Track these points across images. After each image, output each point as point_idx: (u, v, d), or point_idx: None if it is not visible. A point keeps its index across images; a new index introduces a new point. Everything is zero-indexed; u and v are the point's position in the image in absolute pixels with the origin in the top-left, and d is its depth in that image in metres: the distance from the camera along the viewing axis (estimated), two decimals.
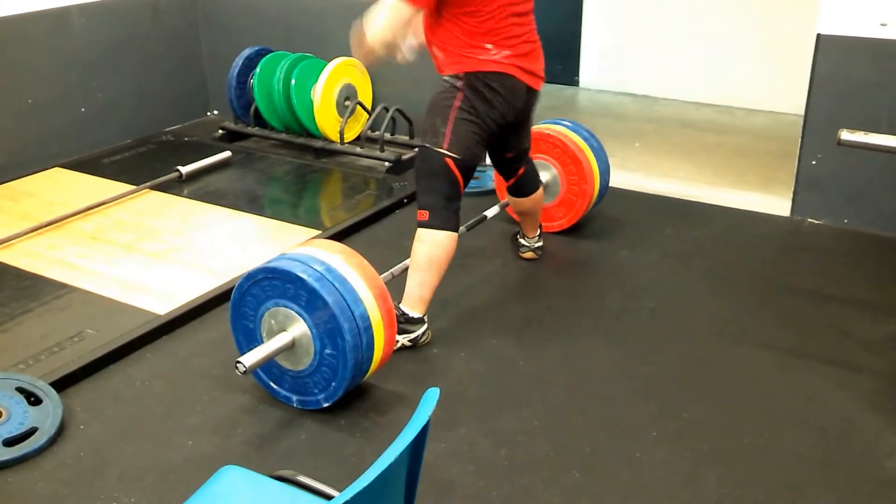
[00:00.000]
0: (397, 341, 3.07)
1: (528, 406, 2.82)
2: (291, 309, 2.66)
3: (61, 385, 2.86)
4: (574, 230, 4.02)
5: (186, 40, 5.79)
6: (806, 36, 4.12)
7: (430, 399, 1.57)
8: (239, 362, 2.59)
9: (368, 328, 2.64)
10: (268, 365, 2.76)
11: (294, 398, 2.79)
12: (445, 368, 3.04)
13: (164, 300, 3.41)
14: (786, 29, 5.59)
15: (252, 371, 2.65)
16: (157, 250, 3.87)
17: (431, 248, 3.03)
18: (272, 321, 2.72)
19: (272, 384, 2.82)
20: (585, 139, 3.92)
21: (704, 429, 2.69)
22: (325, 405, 2.73)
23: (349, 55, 5.05)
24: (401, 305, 3.08)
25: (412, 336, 3.09)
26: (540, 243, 3.79)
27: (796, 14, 5.39)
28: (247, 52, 5.32)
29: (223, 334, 3.23)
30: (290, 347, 2.69)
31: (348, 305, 2.59)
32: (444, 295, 3.33)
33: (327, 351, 2.64)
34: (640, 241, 3.99)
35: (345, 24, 5.16)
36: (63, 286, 3.54)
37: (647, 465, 2.53)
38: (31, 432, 2.62)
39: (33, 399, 2.73)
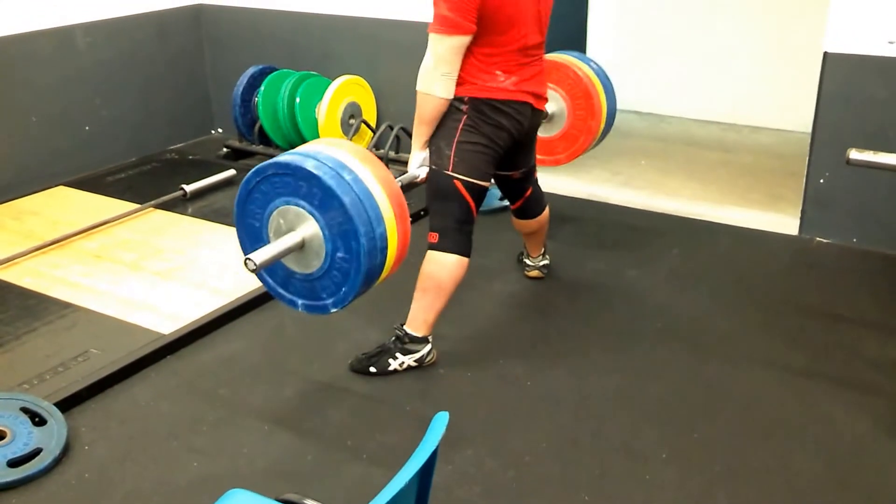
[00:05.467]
0: (403, 362, 3.06)
1: (535, 427, 2.79)
2: (303, 208, 2.49)
3: (66, 405, 2.85)
4: (580, 247, 4.01)
5: (191, 59, 5.80)
6: (812, 53, 4.12)
7: (440, 423, 1.55)
8: (249, 259, 2.43)
9: (383, 233, 2.49)
10: (274, 266, 2.61)
11: (299, 302, 2.64)
12: (452, 388, 3.02)
13: (168, 319, 3.39)
14: (791, 46, 5.59)
15: (261, 269, 2.49)
16: (161, 269, 3.86)
17: (440, 270, 2.99)
18: (281, 220, 2.55)
19: (278, 287, 2.67)
20: (597, 73, 3.86)
21: (714, 450, 2.66)
22: (333, 310, 2.59)
23: (353, 73, 5.12)
24: (404, 327, 3.07)
25: (417, 356, 3.07)
26: (545, 261, 3.78)
27: (802, 32, 5.38)
28: (251, 70, 5.32)
29: (229, 354, 3.22)
30: (301, 248, 2.53)
31: (364, 208, 2.44)
32: (450, 314, 3.31)
33: (339, 254, 2.49)
34: (648, 260, 3.97)
35: (349, 43, 5.23)
36: (67, 305, 3.53)
37: (657, 486, 2.51)
38: (35, 453, 2.60)
39: (38, 419, 2.71)
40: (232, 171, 5.00)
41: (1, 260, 3.86)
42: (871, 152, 2.77)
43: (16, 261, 3.90)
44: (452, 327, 3.35)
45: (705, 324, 3.42)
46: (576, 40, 6.48)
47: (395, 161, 4.96)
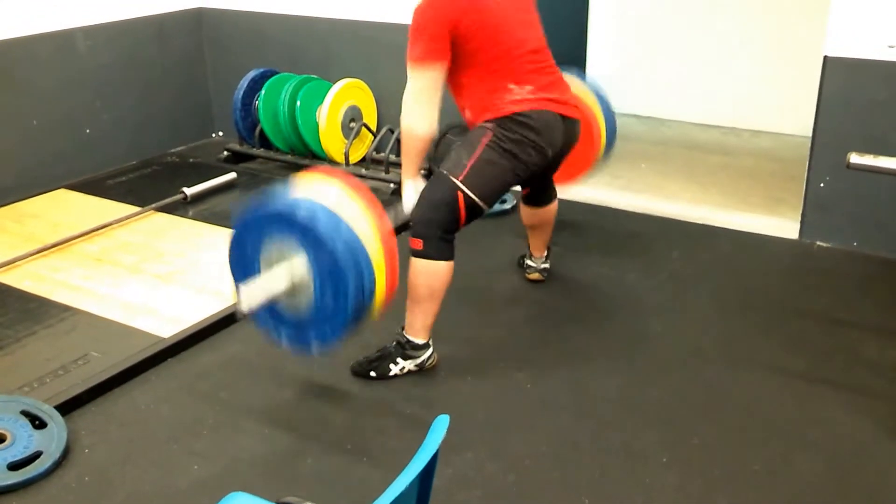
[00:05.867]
0: (403, 367, 3.05)
1: (535, 430, 2.79)
2: (294, 250, 2.53)
3: (66, 408, 2.85)
4: (580, 251, 4.01)
5: (191, 62, 5.81)
6: (812, 57, 4.13)
7: (440, 426, 1.55)
8: (238, 307, 2.53)
9: (372, 279, 2.54)
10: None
11: (284, 338, 2.70)
12: (452, 392, 3.02)
13: (169, 322, 3.39)
14: (791, 50, 5.59)
15: (252, 312, 2.58)
16: (162, 272, 3.86)
17: (429, 278, 2.96)
18: (273, 259, 2.59)
19: (264, 321, 2.73)
20: (598, 98, 3.84)
21: (714, 454, 2.66)
22: (317, 351, 2.67)
23: (354, 77, 5.12)
24: (404, 333, 3.07)
25: (418, 361, 3.07)
26: (546, 265, 3.78)
27: (802, 35, 5.39)
28: (252, 73, 5.33)
29: (229, 357, 3.22)
30: (290, 290, 2.58)
31: (356, 257, 2.48)
32: (449, 318, 3.31)
33: (327, 298, 2.52)
34: (648, 264, 3.97)
35: (350, 46, 5.24)
36: (68, 308, 3.53)
37: (658, 490, 2.51)
38: (35, 456, 2.60)
39: (38, 422, 2.71)
40: (232, 175, 5.00)
41: (1, 263, 3.86)
42: (872, 156, 2.76)
43: (16, 264, 3.90)
44: (453, 331, 3.34)
45: (705, 327, 3.42)
46: (576, 44, 6.48)
47: (395, 164, 4.96)
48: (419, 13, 2.95)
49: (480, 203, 2.97)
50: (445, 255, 2.97)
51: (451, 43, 2.92)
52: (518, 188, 3.52)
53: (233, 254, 2.73)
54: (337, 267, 2.48)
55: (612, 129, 3.93)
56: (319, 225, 2.48)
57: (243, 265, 2.70)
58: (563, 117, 3.09)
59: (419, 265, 2.95)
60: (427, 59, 2.90)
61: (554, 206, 3.63)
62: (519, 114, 2.97)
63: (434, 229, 2.93)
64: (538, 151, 3.02)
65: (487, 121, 3.00)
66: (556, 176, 3.73)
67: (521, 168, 3.02)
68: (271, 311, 2.68)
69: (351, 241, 2.50)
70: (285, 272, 2.57)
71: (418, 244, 2.94)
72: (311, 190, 2.63)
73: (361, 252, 2.51)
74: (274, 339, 2.75)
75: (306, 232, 2.50)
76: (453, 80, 3.06)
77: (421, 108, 2.93)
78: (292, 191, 2.64)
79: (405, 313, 3.05)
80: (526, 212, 3.64)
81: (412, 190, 3.05)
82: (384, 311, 2.70)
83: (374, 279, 2.56)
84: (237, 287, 2.68)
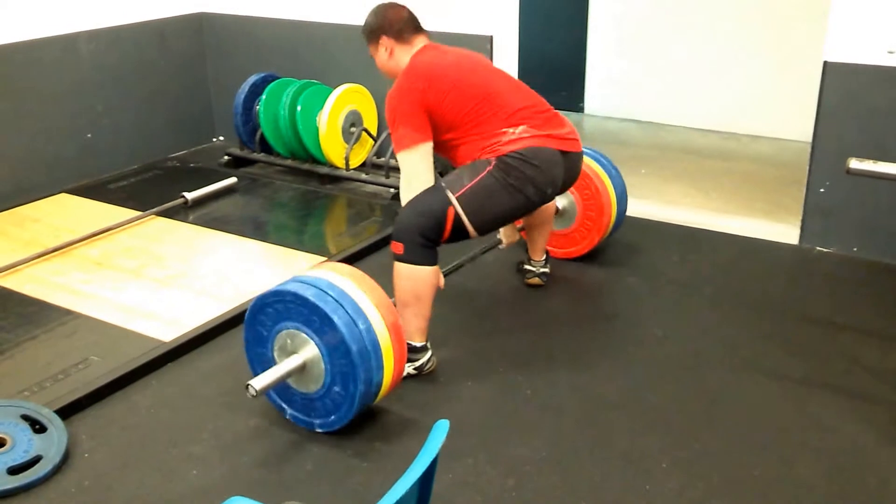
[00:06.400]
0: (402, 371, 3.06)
1: (535, 435, 2.79)
2: (311, 338, 2.66)
3: (66, 412, 2.85)
4: (580, 256, 4.01)
5: (193, 67, 5.82)
6: (811, 62, 4.13)
7: (440, 431, 1.55)
8: (250, 385, 2.61)
9: (381, 380, 2.67)
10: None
11: (288, 411, 2.82)
12: (452, 397, 3.01)
13: (169, 326, 3.40)
14: (791, 55, 5.61)
15: (260, 395, 2.65)
16: (162, 276, 3.86)
17: (413, 283, 2.96)
18: (288, 340, 2.72)
19: (272, 392, 2.83)
20: (605, 168, 3.87)
21: (715, 459, 2.66)
22: (318, 430, 2.77)
23: (354, 81, 5.12)
24: None
25: (417, 364, 3.07)
26: (546, 269, 3.78)
27: (802, 40, 5.40)
28: (253, 78, 5.34)
29: (229, 361, 3.22)
30: (301, 371, 2.70)
31: (370, 359, 2.60)
32: (449, 323, 3.32)
33: (336, 388, 2.66)
34: (648, 269, 3.97)
35: (350, 51, 5.24)
36: (68, 312, 3.53)
37: (658, 495, 2.50)
38: (35, 460, 2.60)
39: (38, 427, 2.71)
40: (233, 179, 5.01)
41: (2, 267, 3.87)
42: (872, 162, 2.77)
43: (17, 268, 3.90)
44: (452, 336, 3.35)
45: (705, 332, 3.42)
46: (576, 49, 6.50)
47: (395, 169, 4.96)
48: (390, 103, 3.05)
49: (469, 227, 2.98)
50: (427, 260, 2.97)
51: (429, 118, 3.01)
52: None
53: (248, 336, 2.84)
54: (350, 364, 2.59)
55: (623, 200, 3.96)
56: (337, 318, 2.57)
57: (257, 347, 2.82)
58: (563, 153, 3.10)
59: (401, 269, 2.97)
60: (413, 142, 2.99)
61: (552, 205, 3.63)
62: (518, 151, 2.98)
63: (415, 235, 2.94)
64: (537, 189, 3.03)
65: (487, 158, 3.02)
66: (565, 246, 3.90)
67: (518, 203, 3.03)
68: (281, 390, 2.80)
69: (366, 337, 2.60)
70: (298, 357, 2.69)
71: (399, 248, 2.95)
72: (325, 277, 2.71)
73: (374, 349, 2.61)
74: (276, 406, 2.85)
75: (324, 322, 2.60)
76: (440, 143, 3.10)
77: (416, 189, 3.00)
78: (306, 276, 2.74)
79: None
80: None
81: None
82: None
83: (383, 374, 2.67)
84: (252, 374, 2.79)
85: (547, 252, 3.78)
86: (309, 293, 2.62)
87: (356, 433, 2.78)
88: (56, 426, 2.72)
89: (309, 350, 2.67)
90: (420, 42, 3.20)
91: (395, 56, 3.20)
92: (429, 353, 3.09)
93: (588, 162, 3.79)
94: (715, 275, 3.92)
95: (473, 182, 2.96)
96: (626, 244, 4.23)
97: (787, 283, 3.88)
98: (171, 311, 3.54)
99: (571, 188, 3.58)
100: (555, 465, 2.64)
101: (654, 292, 3.76)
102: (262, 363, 2.80)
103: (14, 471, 2.55)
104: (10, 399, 2.88)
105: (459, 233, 2.99)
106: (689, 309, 3.62)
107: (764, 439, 2.76)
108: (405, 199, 3.02)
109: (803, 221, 4.17)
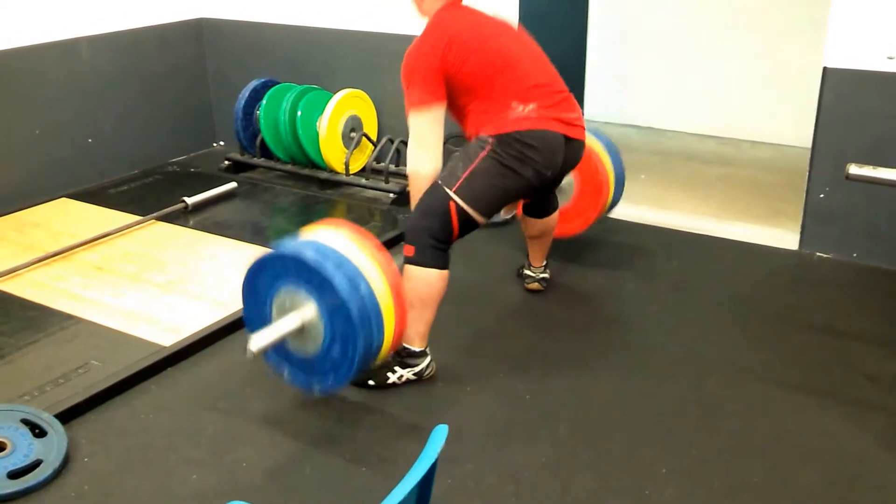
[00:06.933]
0: (402, 375, 3.05)
1: (535, 441, 2.79)
2: (311, 297, 2.58)
3: (66, 417, 2.85)
4: (579, 262, 4.02)
5: (193, 72, 5.83)
6: (810, 68, 4.14)
7: (439, 436, 1.55)
8: (248, 348, 2.56)
9: (381, 342, 2.61)
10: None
11: (286, 369, 2.75)
12: (451, 402, 3.02)
13: (169, 331, 3.40)
14: (790, 61, 5.62)
15: (261, 354, 2.62)
16: (162, 281, 3.86)
17: (421, 286, 2.96)
18: (287, 301, 2.65)
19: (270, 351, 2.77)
20: (605, 146, 3.86)
21: (714, 465, 2.66)
22: (316, 393, 2.75)
23: (355, 87, 5.13)
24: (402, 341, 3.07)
25: (416, 369, 3.07)
26: (546, 274, 3.78)
27: (801, 46, 5.41)
28: (253, 83, 5.35)
29: (228, 366, 3.23)
30: (300, 331, 2.63)
31: (370, 322, 2.54)
32: (448, 328, 3.32)
33: (335, 350, 2.58)
34: (647, 275, 3.97)
35: (350, 57, 5.25)
36: (69, 317, 3.53)
37: (657, 501, 2.51)
38: (35, 465, 2.60)
39: (38, 431, 2.71)
40: (233, 184, 5.02)
41: (3, 272, 3.87)
42: (871, 167, 2.77)
43: (18, 272, 3.91)
44: (452, 341, 3.35)
45: (705, 338, 3.43)
46: (576, 54, 6.50)
47: (395, 174, 4.98)
48: (409, 59, 3.00)
49: (474, 215, 2.97)
50: (438, 263, 2.96)
51: (446, 81, 2.97)
52: (507, 217, 3.54)
53: (246, 295, 2.79)
54: (350, 327, 2.53)
55: (621, 181, 3.95)
56: (337, 281, 2.51)
57: (255, 307, 2.76)
58: (567, 138, 3.09)
59: (411, 272, 2.96)
60: (424, 103, 2.95)
61: (555, 216, 3.64)
62: (520, 132, 2.97)
63: (425, 237, 2.94)
64: (537, 171, 3.02)
65: (488, 135, 3.00)
66: (562, 228, 3.78)
67: (517, 184, 3.03)
68: (278, 349, 2.73)
69: (367, 300, 2.54)
70: (296, 316, 2.62)
71: (410, 251, 2.95)
72: (326, 237, 2.67)
73: (375, 313, 2.56)
74: (278, 373, 2.79)
75: (324, 285, 2.53)
76: (453, 105, 3.08)
77: (425, 151, 2.98)
78: (307, 237, 2.70)
79: None
80: (527, 222, 3.65)
81: None
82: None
83: (384, 337, 2.62)
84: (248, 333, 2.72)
85: (547, 258, 3.79)
86: (308, 255, 2.57)
87: (355, 438, 2.79)
88: (56, 430, 2.72)
89: (308, 311, 2.59)
90: None
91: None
92: (428, 359, 3.09)
93: (591, 142, 3.73)
94: (714, 280, 3.93)
95: (468, 171, 2.95)
96: (625, 250, 4.23)
97: (786, 289, 3.88)
98: (172, 316, 3.54)
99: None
100: (554, 471, 2.64)
101: (653, 298, 3.76)
102: (260, 324, 2.72)
103: (14, 475, 2.56)
104: (10, 403, 2.88)
105: (468, 224, 2.99)
106: (689, 314, 3.62)
107: (763, 445, 2.76)
108: (411, 161, 3.00)
109: (803, 227, 4.18)
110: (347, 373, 2.60)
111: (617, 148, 3.96)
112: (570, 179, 3.84)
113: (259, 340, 2.58)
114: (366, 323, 2.53)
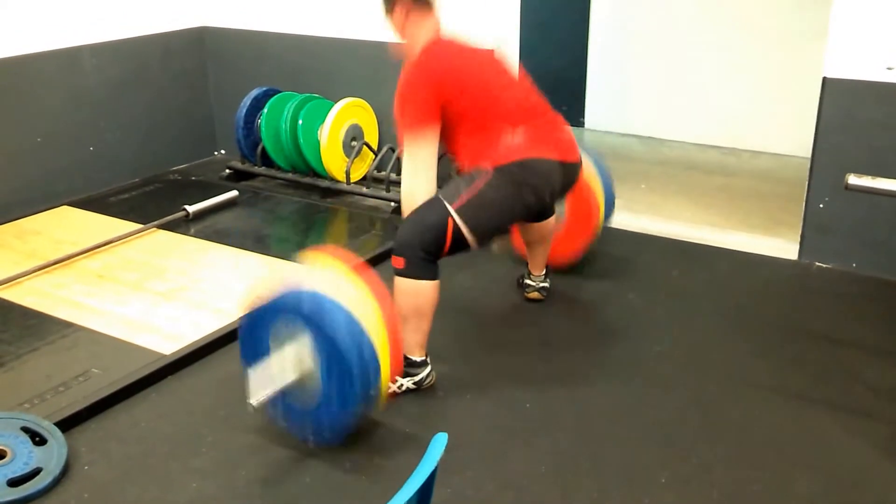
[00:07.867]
0: (402, 384, 3.06)
1: (534, 449, 2.79)
2: (312, 351, 2.62)
3: (66, 425, 2.85)
4: (579, 271, 4.01)
5: (195, 81, 5.84)
6: (810, 78, 4.15)
7: (439, 444, 1.55)
8: (249, 402, 2.60)
9: (378, 395, 2.66)
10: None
11: (282, 420, 2.79)
12: (451, 411, 3.02)
13: (170, 340, 3.40)
14: (790, 71, 5.62)
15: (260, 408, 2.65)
16: (163, 289, 3.87)
17: (414, 298, 2.96)
18: (287, 357, 2.68)
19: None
20: (599, 171, 3.87)
21: (714, 474, 2.66)
22: (310, 443, 2.76)
23: (356, 96, 5.14)
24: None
25: (416, 378, 3.07)
26: (546, 284, 3.78)
27: (801, 56, 5.41)
28: (254, 92, 5.36)
29: (229, 374, 3.22)
30: (298, 385, 2.67)
31: (368, 375, 2.59)
32: (448, 337, 3.32)
33: (333, 406, 2.65)
34: (647, 284, 3.98)
35: (351, 66, 5.26)
36: (69, 325, 3.54)
37: None
38: (35, 472, 2.60)
39: (38, 439, 2.71)
40: (234, 193, 5.03)
41: (3, 279, 3.88)
42: (870, 177, 2.77)
43: (18, 280, 3.91)
44: (451, 350, 3.35)
45: (704, 347, 3.43)
46: (577, 64, 6.52)
47: (396, 183, 4.98)
48: (404, 84, 3.02)
49: (469, 237, 2.97)
50: (428, 275, 2.96)
51: (441, 110, 2.99)
52: None
53: (244, 345, 2.83)
54: (350, 378, 2.57)
55: (611, 201, 3.97)
56: (339, 336, 2.55)
57: (254, 356, 2.78)
58: (561, 162, 3.11)
59: (402, 284, 2.96)
60: (419, 126, 2.96)
61: (552, 221, 3.64)
62: (517, 162, 3.00)
63: (416, 250, 2.93)
64: (536, 195, 3.05)
65: (486, 168, 3.02)
66: (555, 255, 3.81)
67: (517, 209, 3.05)
68: (277, 402, 2.76)
69: (366, 351, 2.57)
70: (295, 364, 2.66)
71: (400, 263, 2.95)
72: (321, 279, 2.69)
73: (372, 361, 2.59)
74: (279, 425, 2.82)
75: (330, 343, 2.57)
76: (445, 135, 3.09)
77: (420, 175, 2.99)
78: (307, 279, 2.71)
79: None
80: (525, 227, 3.64)
81: None
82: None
83: (381, 381, 2.65)
84: (248, 375, 2.75)
85: (547, 267, 3.79)
86: (306, 308, 2.60)
87: (355, 447, 2.78)
88: (56, 438, 2.72)
89: (308, 365, 2.64)
90: (433, 23, 3.15)
91: (411, 21, 3.13)
92: (428, 368, 3.09)
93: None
94: (714, 290, 3.93)
95: (470, 193, 2.96)
96: (625, 259, 4.24)
97: (786, 299, 3.88)
98: (172, 325, 3.55)
99: None
100: (553, 480, 2.64)
101: (653, 307, 3.77)
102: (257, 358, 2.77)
103: (14, 483, 2.55)
104: (10, 411, 2.89)
105: (459, 244, 2.98)
106: (689, 324, 3.62)
107: (763, 454, 2.76)
108: (407, 185, 3.00)
109: (802, 237, 4.18)
110: (344, 425, 2.69)
111: (606, 168, 3.97)
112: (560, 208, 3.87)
113: (258, 395, 2.62)
114: (364, 370, 2.58)
